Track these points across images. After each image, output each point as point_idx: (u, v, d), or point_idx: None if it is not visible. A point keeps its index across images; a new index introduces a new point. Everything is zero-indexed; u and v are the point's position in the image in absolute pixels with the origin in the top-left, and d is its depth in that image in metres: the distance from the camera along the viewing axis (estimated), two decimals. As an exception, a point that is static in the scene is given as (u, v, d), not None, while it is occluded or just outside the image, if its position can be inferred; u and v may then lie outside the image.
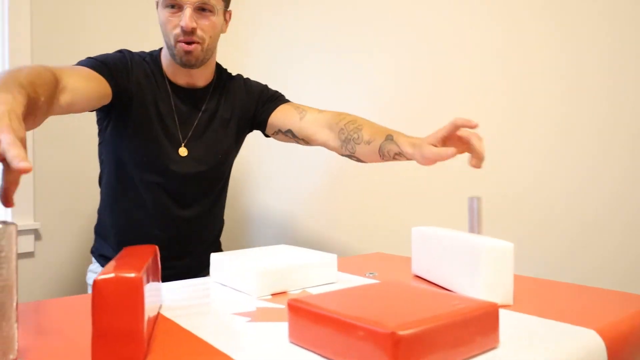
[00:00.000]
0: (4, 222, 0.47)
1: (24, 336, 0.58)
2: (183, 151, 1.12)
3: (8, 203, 0.54)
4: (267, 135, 1.30)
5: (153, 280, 0.63)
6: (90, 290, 1.26)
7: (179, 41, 1.05)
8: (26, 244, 1.28)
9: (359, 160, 1.11)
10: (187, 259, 1.22)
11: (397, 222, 1.38)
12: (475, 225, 0.93)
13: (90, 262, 1.30)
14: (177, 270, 1.17)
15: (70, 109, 0.90)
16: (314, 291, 0.79)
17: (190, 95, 1.16)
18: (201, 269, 1.23)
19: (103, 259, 1.24)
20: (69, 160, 1.38)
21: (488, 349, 0.51)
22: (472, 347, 0.49)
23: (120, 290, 0.49)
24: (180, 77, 1.15)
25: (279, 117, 1.21)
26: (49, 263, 1.32)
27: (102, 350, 0.49)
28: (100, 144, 1.20)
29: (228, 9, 1.14)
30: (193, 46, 1.05)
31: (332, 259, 0.84)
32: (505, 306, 0.69)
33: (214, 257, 0.86)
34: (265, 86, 1.29)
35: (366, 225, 1.44)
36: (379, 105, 1.40)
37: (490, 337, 0.51)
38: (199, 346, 0.54)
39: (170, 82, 1.15)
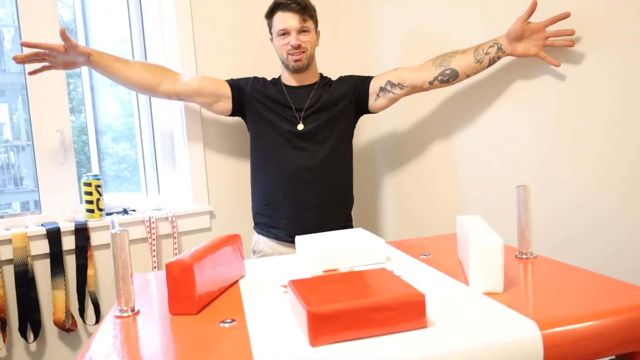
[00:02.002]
0: (121, 230, 0.81)
1: (142, 294, 0.95)
2: (300, 126, 1.58)
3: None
4: (370, 111, 1.65)
5: (227, 262, 0.93)
6: (252, 254, 1.69)
7: (290, 54, 1.55)
8: (204, 221, 1.77)
9: (450, 78, 1.45)
10: (318, 210, 1.58)
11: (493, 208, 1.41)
12: (522, 213, 0.98)
13: (252, 232, 1.71)
14: (311, 220, 1.57)
15: (195, 90, 1.60)
16: (359, 269, 0.98)
17: (300, 90, 1.63)
18: (331, 221, 1.60)
19: (257, 226, 1.67)
20: (230, 159, 1.84)
21: (411, 329, 0.66)
22: (388, 327, 0.65)
23: (180, 270, 0.80)
24: (292, 81, 1.64)
25: (377, 78, 1.61)
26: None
27: (173, 306, 0.80)
28: (250, 137, 1.67)
29: (317, 29, 1.62)
30: (300, 56, 1.55)
31: (379, 243, 1.02)
32: (493, 294, 0.78)
33: (298, 238, 1.12)
34: (361, 75, 1.66)
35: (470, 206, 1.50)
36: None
37: (414, 321, 0.66)
38: (235, 306, 0.82)
39: (286, 85, 1.64)
